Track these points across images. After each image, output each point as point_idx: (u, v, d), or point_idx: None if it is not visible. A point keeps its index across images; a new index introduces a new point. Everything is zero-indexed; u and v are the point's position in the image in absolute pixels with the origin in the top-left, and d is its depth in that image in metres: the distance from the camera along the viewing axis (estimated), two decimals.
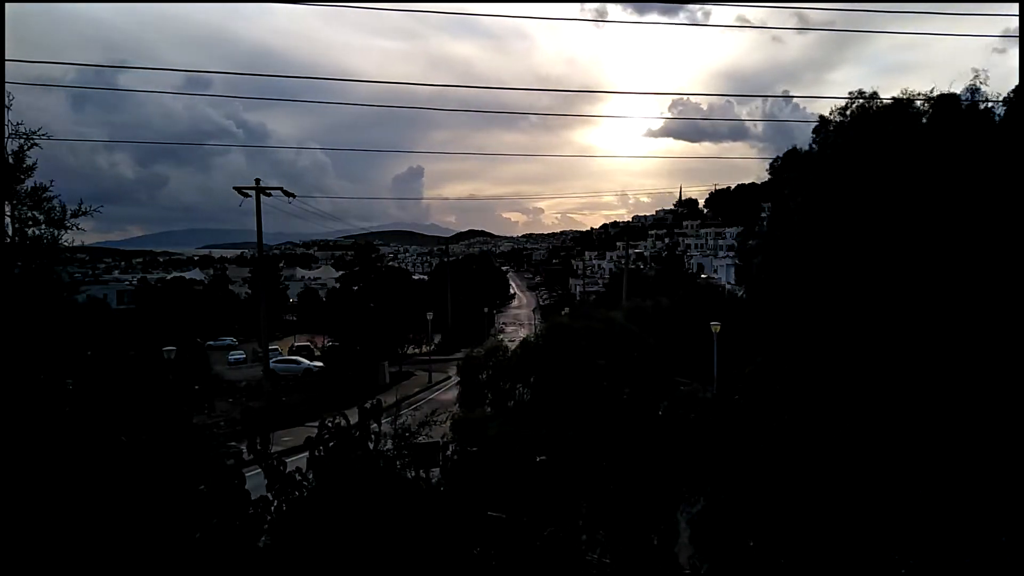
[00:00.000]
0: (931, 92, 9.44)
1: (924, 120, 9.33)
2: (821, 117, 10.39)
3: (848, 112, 9.78)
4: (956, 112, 9.05)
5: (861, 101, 9.71)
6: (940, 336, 7.99)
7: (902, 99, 9.48)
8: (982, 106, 9.49)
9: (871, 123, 9.29)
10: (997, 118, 9.44)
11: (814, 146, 10.99)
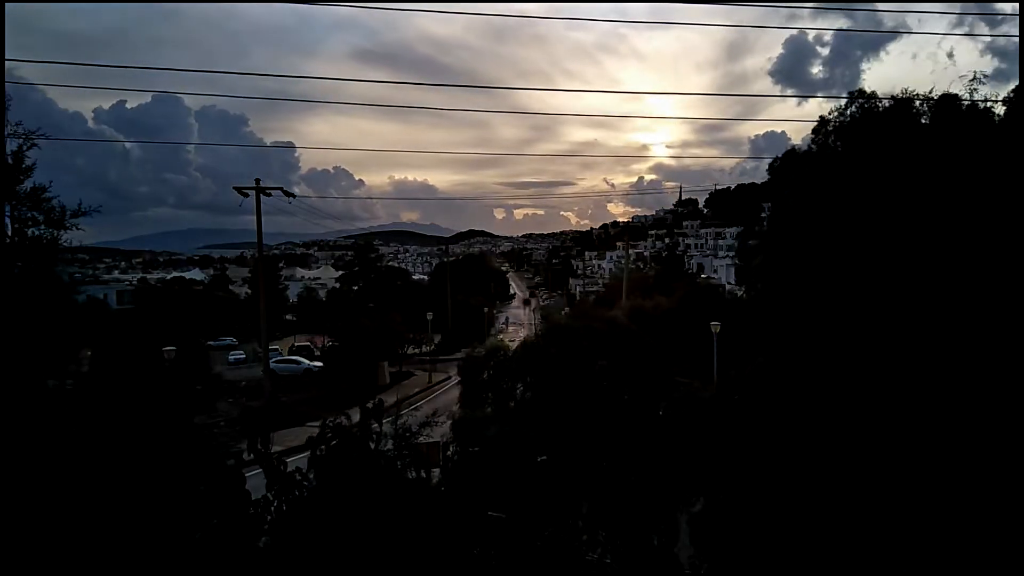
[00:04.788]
0: (931, 92, 9.45)
1: (924, 120, 9.33)
2: (821, 118, 10.38)
3: (848, 112, 9.79)
4: (956, 113, 9.05)
5: (861, 101, 9.72)
6: (940, 335, 7.99)
7: (902, 99, 9.47)
8: (981, 106, 9.49)
9: (871, 123, 9.29)
10: (997, 118, 9.44)
11: (813, 146, 10.99)
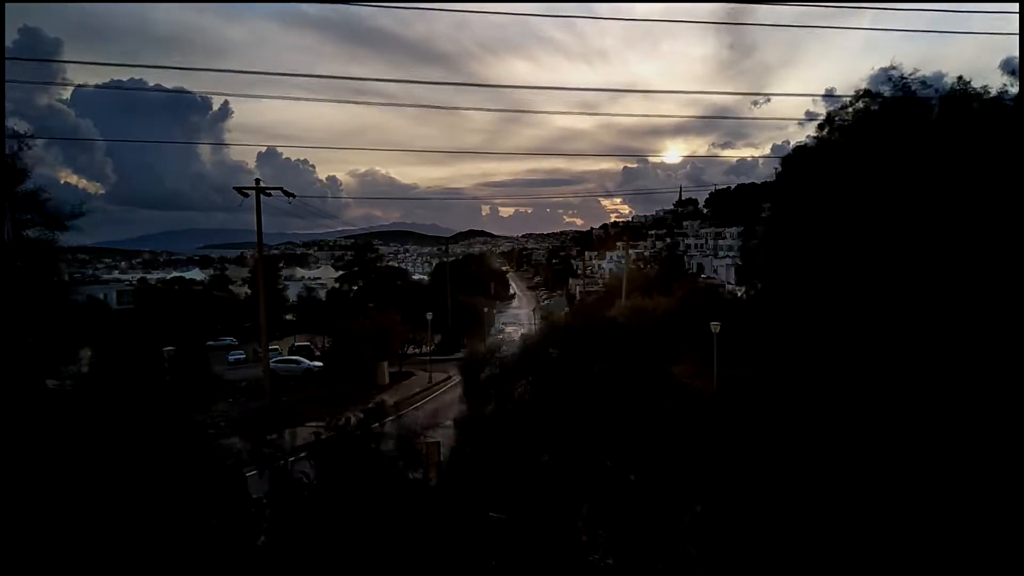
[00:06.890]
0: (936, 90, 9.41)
1: (932, 116, 9.30)
2: (828, 114, 10.36)
3: (851, 110, 9.77)
4: (963, 109, 9.02)
5: (865, 100, 9.69)
6: (941, 333, 7.96)
7: (906, 97, 9.44)
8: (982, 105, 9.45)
9: (876, 121, 9.26)
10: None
11: (812, 145, 10.97)
